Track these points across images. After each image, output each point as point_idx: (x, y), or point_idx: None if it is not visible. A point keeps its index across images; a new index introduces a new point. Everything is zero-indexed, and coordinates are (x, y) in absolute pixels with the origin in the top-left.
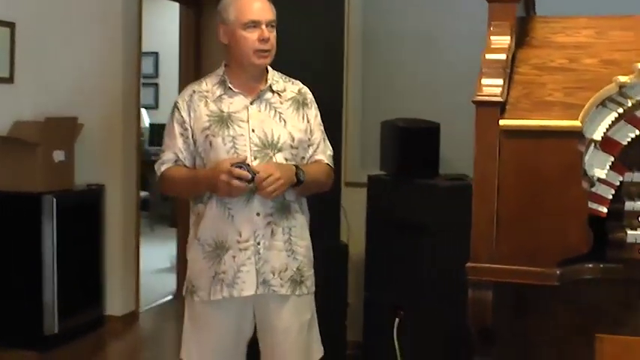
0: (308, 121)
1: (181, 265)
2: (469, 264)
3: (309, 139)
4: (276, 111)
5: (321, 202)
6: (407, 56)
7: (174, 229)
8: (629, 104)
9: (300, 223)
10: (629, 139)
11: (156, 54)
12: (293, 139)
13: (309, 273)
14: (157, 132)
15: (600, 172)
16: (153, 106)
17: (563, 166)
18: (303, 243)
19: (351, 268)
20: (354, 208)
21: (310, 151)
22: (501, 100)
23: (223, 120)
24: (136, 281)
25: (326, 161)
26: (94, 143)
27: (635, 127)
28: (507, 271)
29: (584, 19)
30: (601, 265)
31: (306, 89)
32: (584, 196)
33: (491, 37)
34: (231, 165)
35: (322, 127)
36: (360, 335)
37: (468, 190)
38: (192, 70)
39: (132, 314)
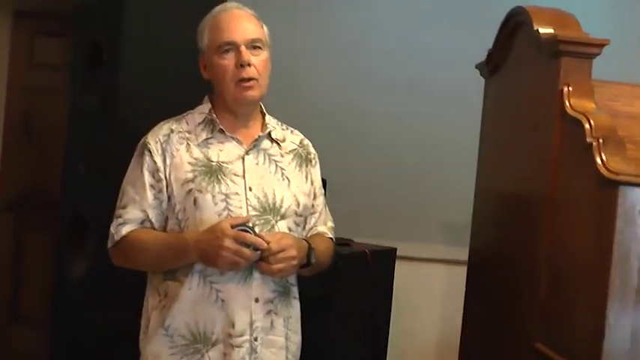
0: (312, 183)
1: None
2: None
3: (312, 206)
4: (277, 166)
5: None
6: None
7: None
8: None
9: (296, 313)
10: None
11: None
12: (298, 205)
13: None
14: None
15: None
16: None
17: None
18: (296, 338)
19: None
20: None
21: (312, 220)
22: None
23: (212, 171)
24: None
25: (329, 235)
26: None
27: None
28: None
29: (627, 87)
30: None
31: (308, 142)
32: None
33: (571, 101)
34: (232, 227)
35: (323, 191)
36: None
37: None
38: None
39: None
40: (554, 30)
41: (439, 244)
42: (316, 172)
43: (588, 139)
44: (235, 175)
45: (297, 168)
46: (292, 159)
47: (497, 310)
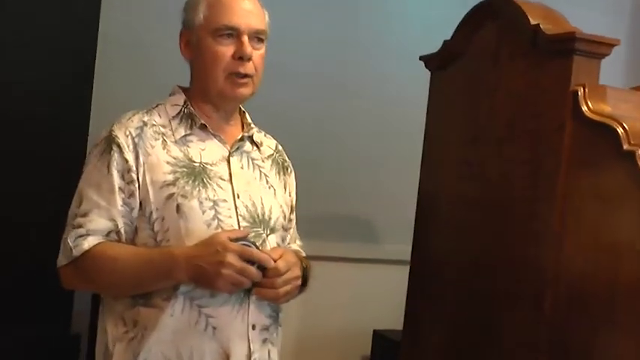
0: (290, 194)
1: None
2: None
3: (290, 220)
4: (260, 172)
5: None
6: None
7: None
8: None
9: (280, 344)
10: None
11: None
12: (284, 217)
13: None
14: None
15: None
16: None
17: None
18: None
19: None
20: None
21: (287, 237)
22: None
23: (196, 174)
24: None
25: (303, 254)
26: None
27: None
28: None
29: (606, 88)
30: None
31: (281, 148)
32: None
33: (589, 104)
34: (231, 240)
35: None
36: None
37: None
38: None
39: None
40: (552, 26)
41: None
42: (292, 183)
43: (626, 147)
44: (221, 179)
45: (277, 176)
46: (271, 165)
47: (469, 321)
